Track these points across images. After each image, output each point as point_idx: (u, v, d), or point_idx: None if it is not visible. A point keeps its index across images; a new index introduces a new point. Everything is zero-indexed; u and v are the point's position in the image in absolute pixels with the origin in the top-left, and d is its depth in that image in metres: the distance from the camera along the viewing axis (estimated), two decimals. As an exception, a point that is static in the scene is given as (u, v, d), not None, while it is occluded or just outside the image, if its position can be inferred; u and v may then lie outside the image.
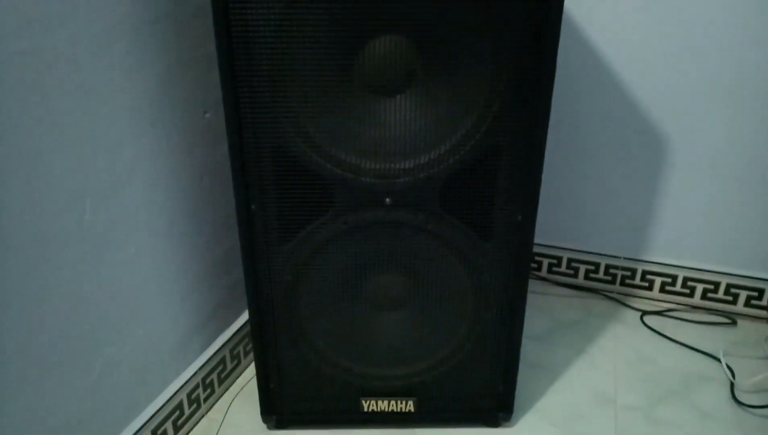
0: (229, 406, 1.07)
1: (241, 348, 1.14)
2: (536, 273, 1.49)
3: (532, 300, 1.38)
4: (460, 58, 0.75)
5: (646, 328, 1.29)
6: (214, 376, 1.06)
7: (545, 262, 1.48)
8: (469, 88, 0.76)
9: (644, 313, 1.33)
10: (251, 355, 1.15)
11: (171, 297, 0.93)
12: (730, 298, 1.33)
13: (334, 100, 0.77)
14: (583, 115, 1.28)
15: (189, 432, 1.01)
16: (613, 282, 1.42)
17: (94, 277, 0.77)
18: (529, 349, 1.20)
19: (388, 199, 0.83)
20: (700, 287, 1.34)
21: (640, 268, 1.38)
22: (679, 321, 1.31)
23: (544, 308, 1.36)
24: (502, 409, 0.99)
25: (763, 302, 1.30)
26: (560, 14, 0.72)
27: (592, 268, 1.43)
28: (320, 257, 0.87)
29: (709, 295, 1.34)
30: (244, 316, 1.14)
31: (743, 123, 1.18)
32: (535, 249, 1.46)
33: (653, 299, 1.39)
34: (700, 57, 1.15)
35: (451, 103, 0.77)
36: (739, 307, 1.33)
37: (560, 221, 1.41)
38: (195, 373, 1.01)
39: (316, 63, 0.75)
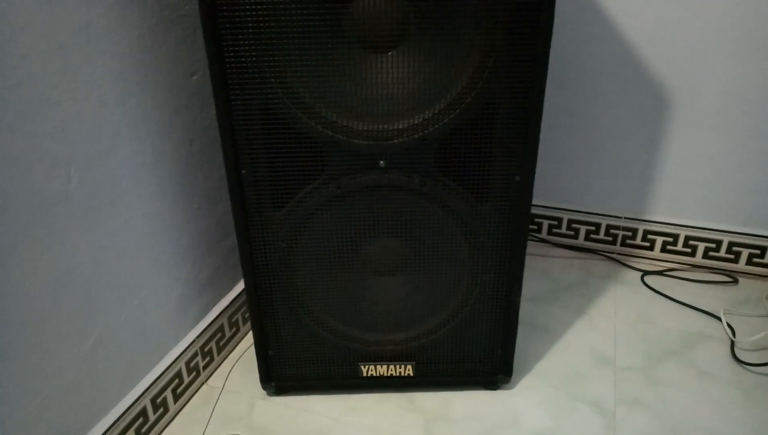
0: (229, 373, 1.07)
1: (239, 316, 1.13)
2: (536, 235, 1.47)
3: (531, 262, 1.37)
4: (455, 11, 0.72)
5: (646, 288, 1.28)
6: (213, 343, 1.06)
7: (545, 223, 1.46)
8: (464, 43, 0.73)
9: (645, 273, 1.32)
10: (249, 323, 1.15)
11: (165, 264, 0.92)
12: (731, 256, 1.31)
13: (324, 58, 0.74)
14: (583, 71, 1.25)
15: (189, 400, 1.01)
16: (614, 243, 1.40)
17: (83, 244, 0.76)
18: (528, 311, 1.19)
19: (382, 162, 0.80)
20: (701, 246, 1.33)
21: (641, 227, 1.36)
22: (680, 280, 1.30)
23: (544, 270, 1.35)
24: (501, 372, 0.98)
25: (765, 260, 1.29)
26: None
27: (593, 228, 1.41)
28: (314, 222, 0.85)
29: (711, 253, 1.33)
30: (242, 283, 1.13)
31: (748, 77, 1.14)
32: (535, 210, 1.44)
33: (654, 259, 1.37)
34: (704, 4, 1.11)
35: (446, 59, 0.74)
36: (741, 265, 1.31)
37: (560, 182, 1.39)
38: (193, 341, 1.00)
39: (304, 17, 0.72)
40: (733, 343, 1.10)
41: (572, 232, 1.43)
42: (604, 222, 1.39)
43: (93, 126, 0.75)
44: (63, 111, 0.70)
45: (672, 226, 1.33)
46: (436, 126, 0.77)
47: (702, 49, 1.15)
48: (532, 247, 1.44)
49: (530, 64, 0.74)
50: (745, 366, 1.05)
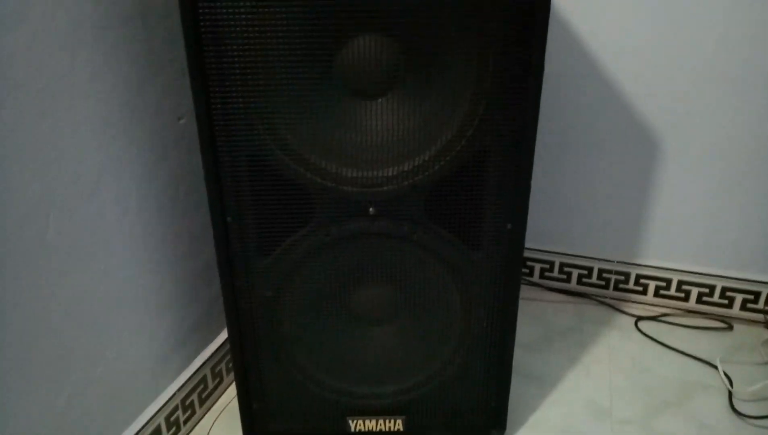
0: (211, 428, 1.02)
1: (223, 365, 1.09)
2: (528, 278, 1.45)
3: (523, 306, 1.34)
4: (445, 58, 0.71)
5: (641, 334, 1.25)
6: (195, 396, 1.01)
7: (537, 266, 1.44)
8: (454, 90, 0.72)
9: (639, 318, 1.30)
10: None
11: (146, 314, 0.89)
12: (725, 301, 1.30)
13: (313, 104, 0.73)
14: (572, 114, 1.25)
15: (167, 455, 0.96)
16: (607, 287, 1.38)
17: (58, 296, 0.73)
18: (521, 359, 1.16)
19: (371, 209, 0.78)
20: (695, 291, 1.31)
21: (634, 271, 1.35)
22: (674, 326, 1.28)
23: (537, 315, 1.32)
24: (495, 426, 0.95)
25: (759, 305, 1.27)
26: (548, 11, 0.68)
27: (585, 272, 1.40)
28: (302, 271, 0.83)
29: (705, 298, 1.31)
30: (226, 332, 1.09)
31: (736, 122, 1.15)
32: (527, 253, 1.42)
33: (647, 304, 1.35)
34: (693, 49, 1.12)
35: (436, 105, 0.73)
36: (735, 310, 1.30)
37: (552, 224, 1.38)
38: (174, 395, 0.96)
39: (292, 64, 0.71)
40: (731, 394, 1.07)
41: (564, 276, 1.42)
42: (596, 265, 1.38)
43: (74, 171, 0.72)
44: (42, 155, 0.68)
45: (665, 271, 1.32)
46: (426, 173, 0.76)
47: (690, 94, 1.16)
48: (524, 290, 1.41)
49: (521, 112, 0.74)
50: (744, 419, 1.02)
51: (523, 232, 0.81)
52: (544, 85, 1.22)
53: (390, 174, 0.76)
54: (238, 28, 0.69)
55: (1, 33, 0.61)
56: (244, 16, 0.68)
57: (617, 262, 1.35)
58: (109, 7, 0.74)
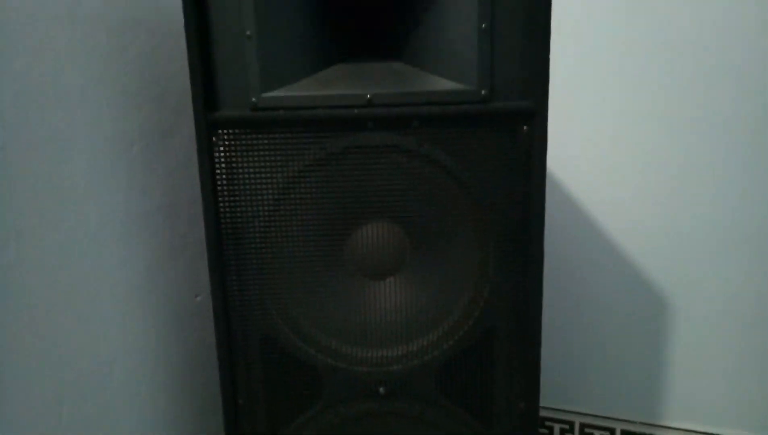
0: None
1: None
2: (548, 441, 1.39)
3: (546, 475, 1.27)
4: (448, 244, 0.75)
5: (674, 506, 1.16)
6: None
7: (556, 427, 1.38)
8: (459, 273, 0.76)
9: (670, 487, 1.22)
10: None
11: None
12: (760, 467, 1.22)
13: (324, 287, 0.76)
14: (578, 278, 1.27)
15: None
16: (632, 450, 1.31)
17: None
18: None
19: (381, 389, 0.78)
20: (726, 455, 1.24)
21: (659, 434, 1.29)
22: (709, 496, 1.19)
23: (560, 484, 1.24)
24: None
25: (798, 471, 1.19)
26: (543, 208, 0.73)
27: (607, 434, 1.33)
28: (311, 453, 0.81)
29: (738, 463, 1.23)
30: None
31: (742, 275, 1.16)
32: (545, 413, 1.37)
33: (677, 470, 1.27)
34: (692, 205, 1.17)
35: (442, 288, 0.76)
36: (773, 477, 1.21)
37: (569, 384, 1.34)
38: None
39: (306, 251, 0.75)
40: None
41: (586, 438, 1.35)
42: (618, 426, 1.32)
43: (89, 352, 0.74)
44: (60, 339, 0.70)
45: (690, 433, 1.26)
46: (435, 353, 0.77)
47: (699, 249, 1.18)
48: (545, 455, 1.35)
49: (525, 290, 0.76)
50: None
51: (536, 411, 0.79)
52: (547, 251, 1.26)
53: (399, 353, 0.77)
54: (256, 219, 0.74)
55: (34, 239, 0.66)
56: (262, 209, 0.73)
57: (640, 422, 1.30)
58: (135, 201, 0.81)
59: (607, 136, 1.18)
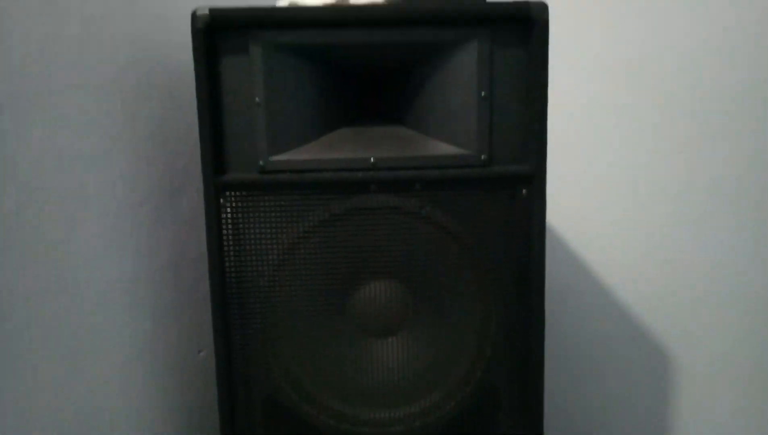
0: None
1: None
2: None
3: None
4: (450, 304, 0.76)
5: None
6: None
7: (562, 486, 1.35)
8: (461, 332, 0.76)
9: None
10: None
11: None
12: None
13: (327, 346, 0.77)
14: (580, 336, 1.27)
15: None
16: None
17: None
18: None
19: (384, 450, 0.78)
20: None
21: (668, 494, 1.26)
22: None
23: None
24: None
25: None
26: (543, 268, 0.74)
27: (615, 493, 1.30)
28: None
29: None
30: None
31: (741, 330, 1.16)
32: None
33: None
34: (692, 260, 1.18)
35: (444, 346, 0.77)
36: None
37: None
38: None
39: (309, 310, 0.76)
40: None
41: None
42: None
43: (89, 411, 0.74)
44: (65, 397, 0.70)
45: (700, 493, 1.23)
46: (437, 414, 0.77)
47: (700, 305, 1.19)
48: None
49: (526, 351, 0.77)
50: None
51: (540, 474, 0.79)
52: (548, 308, 1.27)
53: (401, 415, 0.77)
54: (261, 278, 0.75)
55: (43, 302, 0.67)
56: (267, 269, 0.74)
57: (648, 482, 1.27)
58: (143, 260, 0.82)
59: (607, 192, 1.20)
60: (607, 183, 1.20)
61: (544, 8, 0.68)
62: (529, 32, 0.69)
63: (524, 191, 0.72)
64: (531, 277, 0.75)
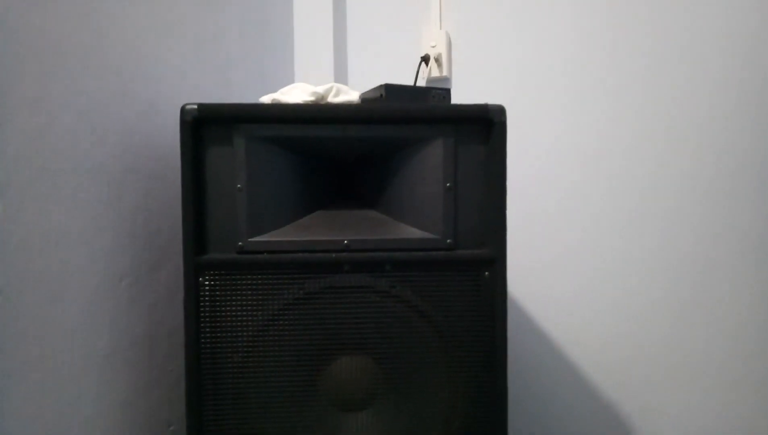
0: None
1: None
2: None
3: None
4: (419, 379, 0.79)
5: None
6: None
7: None
8: (430, 407, 0.79)
9: None
10: None
11: None
12: None
13: (299, 421, 0.79)
14: (546, 407, 1.31)
15: None
16: None
17: None
18: None
19: None
20: None
21: None
22: None
23: None
24: None
25: None
26: (505, 345, 0.79)
27: None
28: None
29: None
30: None
31: (707, 405, 1.21)
32: None
33: None
34: (654, 337, 1.23)
35: (413, 421, 0.79)
36: None
37: None
38: None
39: (282, 384, 0.79)
40: None
41: None
42: None
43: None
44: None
45: None
46: (407, 490, 0.79)
47: (663, 378, 1.23)
48: None
49: (493, 424, 0.80)
50: None
51: None
52: (514, 381, 1.30)
53: (371, 491, 0.79)
54: (235, 356, 0.78)
55: (21, 378, 0.69)
56: (241, 343, 0.77)
57: None
58: (119, 335, 0.84)
59: (572, 269, 1.27)
60: (570, 260, 1.26)
61: (502, 111, 0.76)
62: (489, 131, 0.76)
63: (486, 274, 0.78)
64: (495, 352, 0.79)
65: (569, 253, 1.26)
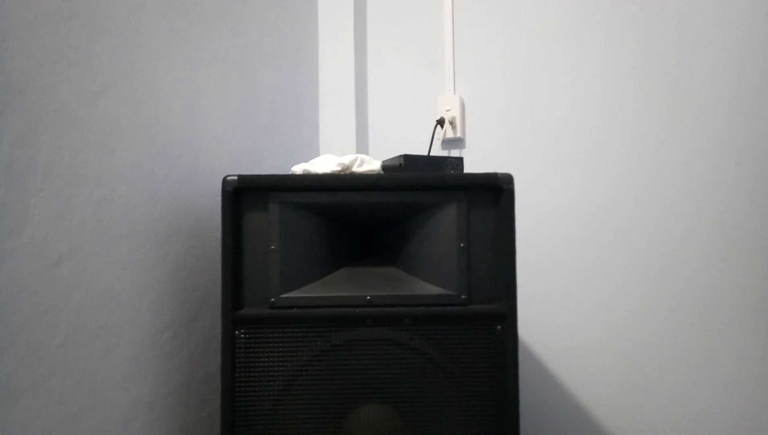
0: None
1: None
2: None
3: None
4: (437, 426, 0.85)
5: None
6: None
7: None
8: (447, 454, 0.85)
9: None
10: None
11: None
12: None
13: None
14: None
15: None
16: None
17: None
18: None
19: None
20: None
21: None
22: None
23: None
24: None
25: None
26: (517, 395, 0.84)
27: None
28: None
29: None
30: None
31: None
32: None
33: None
34: (666, 384, 1.27)
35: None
36: None
37: None
38: None
39: (309, 429, 0.85)
40: None
41: None
42: None
43: None
44: None
45: None
46: None
47: (674, 427, 1.26)
48: None
49: (506, 472, 0.85)
50: None
51: None
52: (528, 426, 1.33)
53: None
54: (267, 404, 0.84)
55: (75, 427, 0.76)
56: (273, 395, 0.84)
57: None
58: (160, 385, 0.91)
59: (585, 318, 1.32)
60: (583, 311, 1.32)
61: (510, 179, 0.84)
62: (498, 197, 0.84)
63: (498, 327, 0.84)
64: (507, 400, 0.85)
65: (584, 302, 1.31)
